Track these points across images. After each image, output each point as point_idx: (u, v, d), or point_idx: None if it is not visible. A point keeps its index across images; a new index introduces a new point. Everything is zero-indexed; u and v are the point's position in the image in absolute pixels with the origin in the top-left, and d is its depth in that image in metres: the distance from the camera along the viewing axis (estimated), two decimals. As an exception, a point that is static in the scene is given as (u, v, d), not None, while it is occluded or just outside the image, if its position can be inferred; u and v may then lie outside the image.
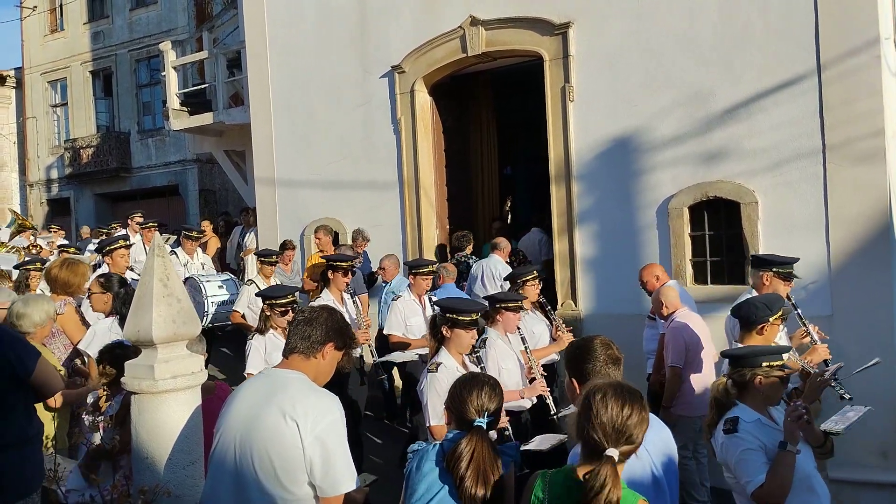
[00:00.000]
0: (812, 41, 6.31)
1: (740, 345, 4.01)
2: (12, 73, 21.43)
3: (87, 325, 5.21)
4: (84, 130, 20.30)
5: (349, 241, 8.81)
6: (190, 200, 18.67)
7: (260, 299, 5.70)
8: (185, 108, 12.02)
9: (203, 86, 12.37)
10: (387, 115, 8.82)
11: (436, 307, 4.75)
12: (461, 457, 2.42)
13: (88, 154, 19.79)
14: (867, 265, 6.07)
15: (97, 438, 3.43)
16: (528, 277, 5.78)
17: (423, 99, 8.70)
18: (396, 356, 5.96)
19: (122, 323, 4.34)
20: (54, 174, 21.12)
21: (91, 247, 10.46)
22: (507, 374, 4.66)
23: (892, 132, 6.77)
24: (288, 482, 2.37)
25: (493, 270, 7.34)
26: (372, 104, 8.94)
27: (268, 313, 5.09)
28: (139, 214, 10.91)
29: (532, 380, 4.88)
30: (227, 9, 13.69)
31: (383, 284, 7.69)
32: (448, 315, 4.05)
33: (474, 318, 4.06)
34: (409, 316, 6.21)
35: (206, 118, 11.55)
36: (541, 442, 4.16)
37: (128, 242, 6.73)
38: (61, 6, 20.70)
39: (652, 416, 3.22)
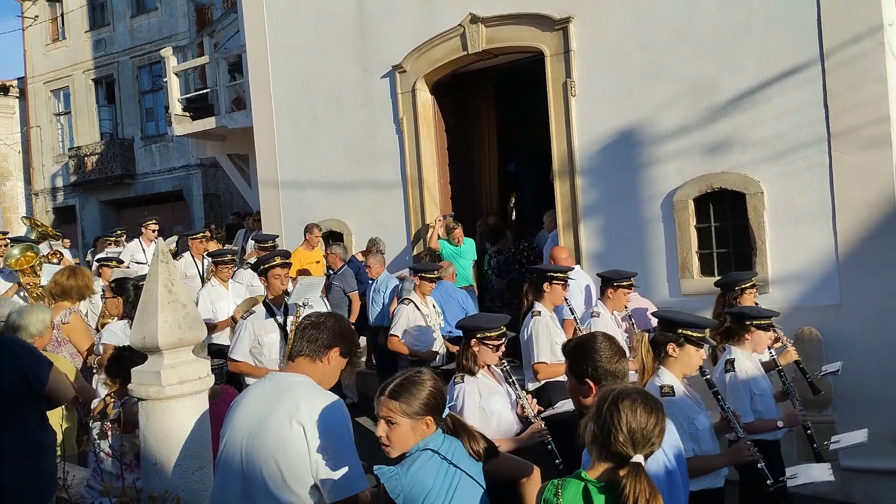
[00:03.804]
0: (815, 29, 6.25)
1: None
2: (15, 82, 21.50)
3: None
4: (88, 138, 20.37)
5: (352, 243, 8.84)
6: (195, 205, 18.70)
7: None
8: (187, 114, 12.05)
9: (205, 90, 12.39)
10: (389, 115, 8.81)
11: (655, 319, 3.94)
12: None
13: (93, 161, 19.84)
14: (875, 253, 6.02)
15: (105, 446, 3.43)
16: (746, 285, 4.98)
17: (425, 98, 8.68)
18: (561, 406, 4.61)
19: None
20: (59, 182, 21.19)
21: (90, 257, 10.21)
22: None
23: (897, 118, 6.71)
24: (296, 486, 2.37)
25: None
26: (373, 104, 8.93)
27: (475, 349, 3.88)
28: (154, 221, 10.28)
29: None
30: (227, 13, 13.72)
31: (370, 282, 7.67)
32: (680, 331, 3.38)
33: (706, 334, 3.45)
34: (556, 335, 4.90)
35: (208, 123, 11.58)
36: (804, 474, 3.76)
37: (286, 260, 5.36)
38: (62, 15, 20.75)
39: None
